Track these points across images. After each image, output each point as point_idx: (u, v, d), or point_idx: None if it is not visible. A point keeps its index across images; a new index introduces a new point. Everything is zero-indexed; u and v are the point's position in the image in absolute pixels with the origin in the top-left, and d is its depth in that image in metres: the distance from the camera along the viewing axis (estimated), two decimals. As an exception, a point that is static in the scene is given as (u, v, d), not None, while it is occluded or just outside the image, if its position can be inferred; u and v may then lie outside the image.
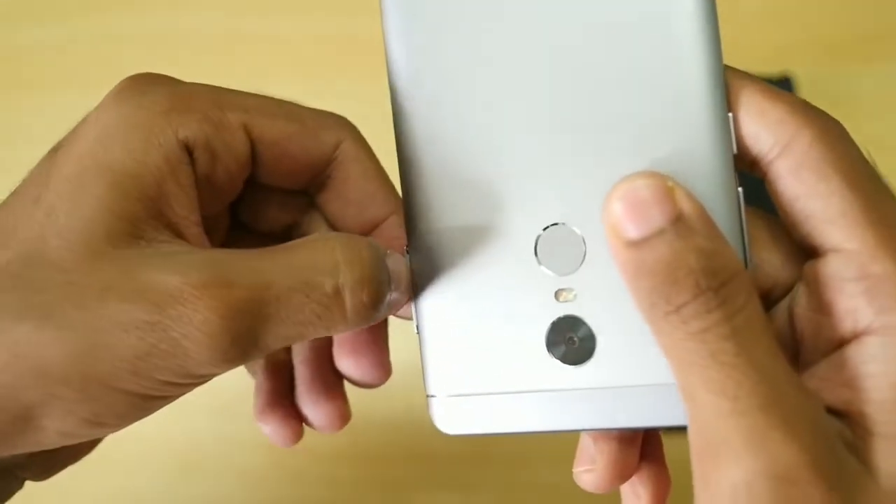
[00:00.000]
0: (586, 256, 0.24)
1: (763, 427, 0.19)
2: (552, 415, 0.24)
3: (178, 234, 0.22)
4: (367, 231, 0.27)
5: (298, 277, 0.21)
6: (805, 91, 0.50)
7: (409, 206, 0.25)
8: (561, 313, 0.24)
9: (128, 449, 0.43)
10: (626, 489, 0.27)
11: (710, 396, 0.19)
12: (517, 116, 0.24)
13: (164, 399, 0.22)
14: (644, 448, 0.26)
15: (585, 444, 0.26)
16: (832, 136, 0.21)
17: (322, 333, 0.22)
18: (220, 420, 0.46)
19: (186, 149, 0.23)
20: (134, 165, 0.22)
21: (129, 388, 0.20)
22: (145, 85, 0.25)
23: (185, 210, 0.22)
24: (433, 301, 0.25)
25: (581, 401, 0.24)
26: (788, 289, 0.23)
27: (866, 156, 0.22)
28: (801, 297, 0.22)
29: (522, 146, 0.24)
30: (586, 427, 0.24)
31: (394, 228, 0.26)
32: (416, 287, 0.25)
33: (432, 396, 0.25)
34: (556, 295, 0.24)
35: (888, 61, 0.52)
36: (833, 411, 0.21)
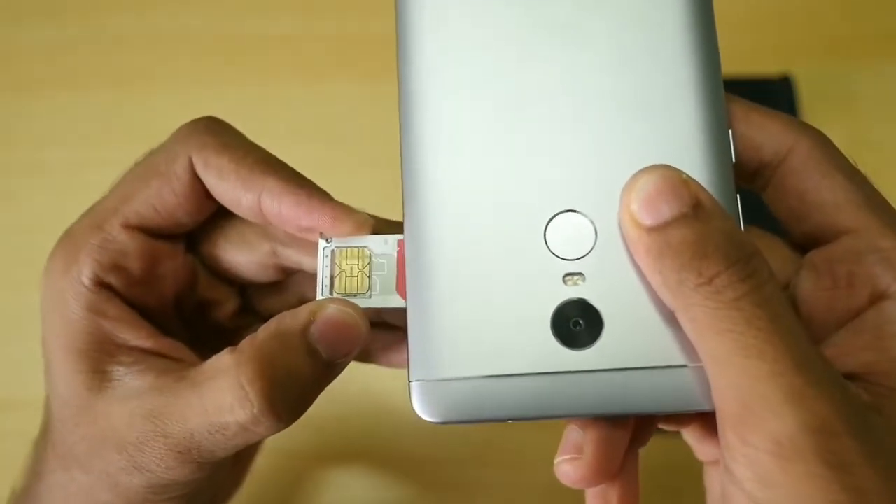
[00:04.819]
0: (596, 243, 0.24)
1: (800, 386, 0.20)
2: (553, 399, 0.23)
3: (132, 348, 0.27)
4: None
5: (211, 422, 0.24)
6: (806, 90, 0.50)
7: (409, 181, 0.25)
8: (568, 297, 0.24)
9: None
10: (594, 494, 0.27)
11: (749, 360, 0.21)
12: (532, 107, 0.25)
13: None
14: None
15: (571, 434, 0.26)
16: (826, 143, 0.25)
17: (256, 440, 0.25)
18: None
19: (100, 283, 0.26)
20: (70, 329, 0.26)
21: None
22: (52, 255, 0.28)
23: (127, 330, 0.27)
24: (428, 279, 0.24)
25: (584, 384, 0.23)
26: (784, 285, 0.25)
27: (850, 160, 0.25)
28: (806, 281, 0.25)
29: (535, 134, 0.25)
30: (588, 412, 0.23)
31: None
32: (408, 264, 0.25)
33: (418, 381, 0.24)
34: (564, 279, 0.24)
35: (890, 60, 0.52)
36: (848, 377, 0.22)
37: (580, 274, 0.24)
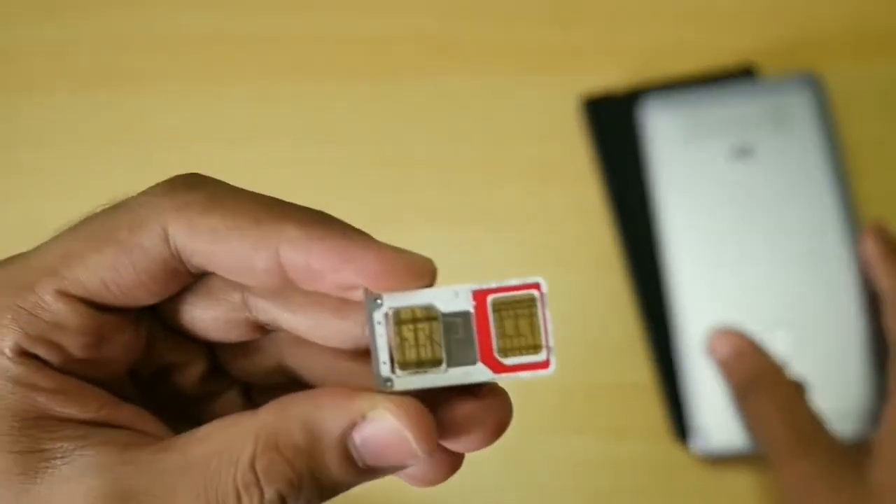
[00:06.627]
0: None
1: None
2: None
3: (80, 422, 0.21)
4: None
5: None
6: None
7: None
8: None
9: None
10: None
11: None
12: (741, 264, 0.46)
13: None
14: None
15: None
16: None
17: None
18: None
19: (25, 354, 0.21)
20: None
21: None
22: None
23: (70, 402, 0.21)
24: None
25: None
26: None
27: None
28: None
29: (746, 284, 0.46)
30: None
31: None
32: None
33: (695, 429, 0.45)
34: None
35: (889, 60, 0.52)
36: None
37: None
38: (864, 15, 0.53)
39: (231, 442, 0.20)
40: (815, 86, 0.48)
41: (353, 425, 0.20)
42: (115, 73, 0.54)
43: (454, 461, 0.22)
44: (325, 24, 0.55)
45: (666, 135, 0.48)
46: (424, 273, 0.21)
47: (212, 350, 0.25)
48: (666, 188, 0.47)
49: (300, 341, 0.24)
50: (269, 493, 0.20)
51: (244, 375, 0.25)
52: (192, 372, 0.25)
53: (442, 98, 0.53)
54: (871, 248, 0.44)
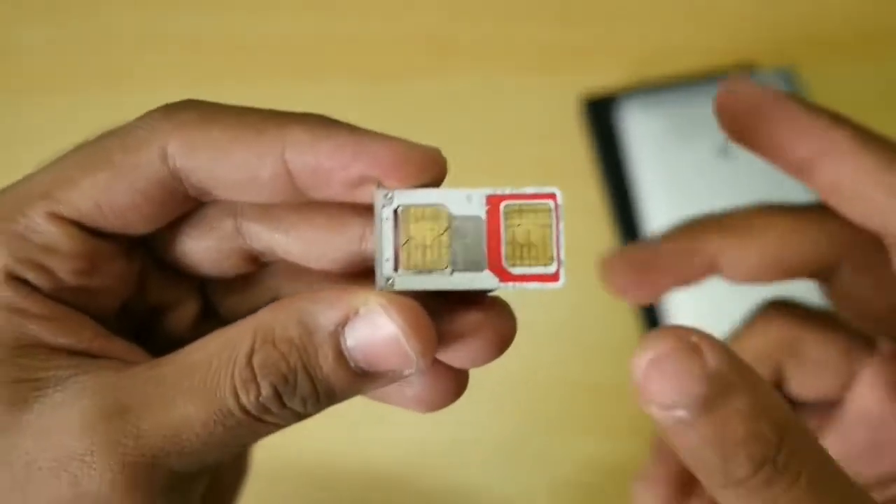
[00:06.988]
0: None
1: None
2: None
3: (73, 352, 0.21)
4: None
5: (208, 410, 0.19)
6: (806, 89, 0.50)
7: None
8: None
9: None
10: None
11: None
12: None
13: None
14: None
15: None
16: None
17: (264, 435, 0.20)
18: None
19: (14, 278, 0.20)
20: None
21: None
22: None
23: (63, 331, 0.21)
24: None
25: None
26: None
27: None
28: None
29: None
30: None
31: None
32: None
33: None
34: None
35: (891, 60, 0.52)
36: None
37: None
38: (865, 15, 0.53)
39: (230, 340, 0.20)
40: (791, 82, 0.48)
41: (346, 320, 0.19)
42: (115, 73, 0.54)
43: (457, 381, 0.22)
44: (325, 24, 0.55)
45: (648, 135, 0.48)
46: (436, 163, 0.20)
47: (205, 292, 0.24)
48: (650, 188, 0.48)
49: (295, 272, 0.23)
50: (265, 389, 0.19)
51: (238, 317, 0.24)
52: (185, 313, 0.24)
53: (442, 98, 0.53)
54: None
